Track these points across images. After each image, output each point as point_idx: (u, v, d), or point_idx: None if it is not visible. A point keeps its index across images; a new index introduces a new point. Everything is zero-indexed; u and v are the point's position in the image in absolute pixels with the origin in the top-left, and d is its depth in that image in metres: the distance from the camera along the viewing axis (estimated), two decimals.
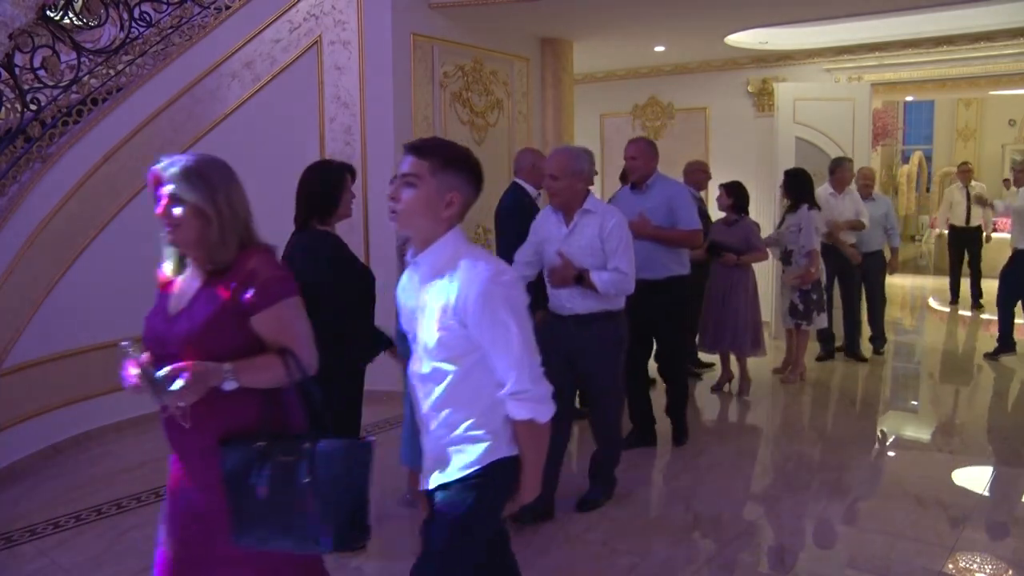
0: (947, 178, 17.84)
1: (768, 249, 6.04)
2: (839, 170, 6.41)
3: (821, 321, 5.94)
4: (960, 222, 9.42)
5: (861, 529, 3.58)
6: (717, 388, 5.79)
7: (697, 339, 5.85)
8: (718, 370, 5.95)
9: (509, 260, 4.37)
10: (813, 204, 5.82)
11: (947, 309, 9.31)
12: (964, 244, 9.40)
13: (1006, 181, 16.50)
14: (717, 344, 5.65)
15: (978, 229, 9.38)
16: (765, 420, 5.32)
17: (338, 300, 3.07)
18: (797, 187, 5.87)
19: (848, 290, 6.53)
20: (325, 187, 3.17)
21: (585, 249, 3.48)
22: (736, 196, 5.58)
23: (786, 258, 5.91)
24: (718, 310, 5.55)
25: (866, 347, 6.77)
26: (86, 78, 4.76)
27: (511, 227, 4.42)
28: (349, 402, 3.25)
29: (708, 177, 6.42)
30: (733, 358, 5.73)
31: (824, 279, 5.99)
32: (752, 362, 5.84)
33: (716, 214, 5.93)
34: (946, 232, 10.10)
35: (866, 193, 6.70)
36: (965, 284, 9.41)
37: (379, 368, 3.49)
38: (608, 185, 8.65)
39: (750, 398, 5.59)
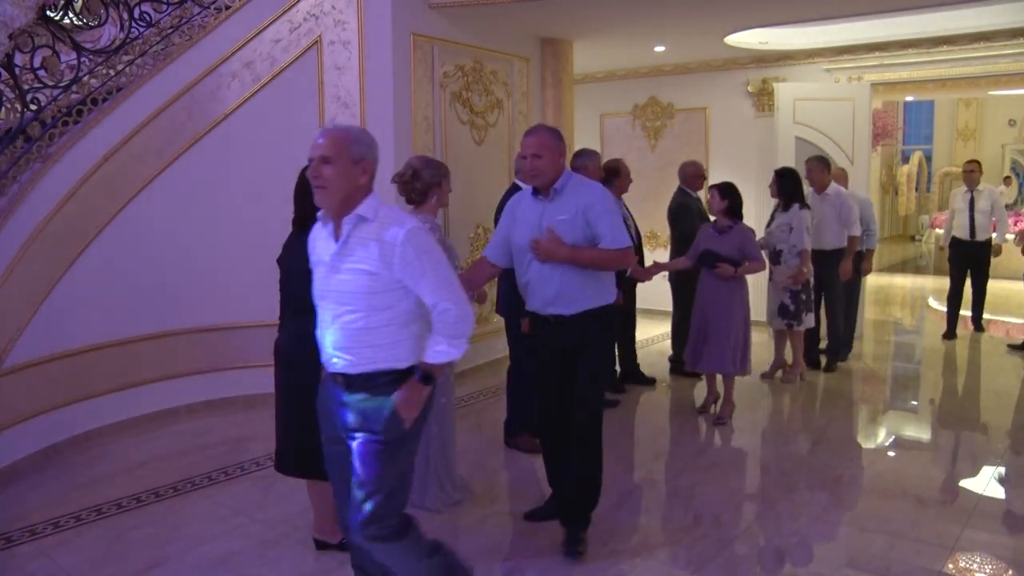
0: (947, 178, 17.86)
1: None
2: (809, 170, 6.17)
3: (809, 321, 5.84)
4: (963, 234, 7.51)
5: (861, 529, 3.58)
6: (703, 409, 5.32)
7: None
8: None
9: None
10: (804, 203, 5.75)
11: (942, 338, 7.58)
12: (968, 263, 7.53)
13: (1007, 179, 16.53)
14: (701, 362, 5.16)
15: (986, 244, 7.48)
16: (764, 420, 5.31)
17: None
18: (788, 186, 5.78)
19: (831, 293, 6.23)
20: None
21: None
22: (731, 199, 5.06)
23: (775, 258, 5.79)
24: (705, 325, 5.10)
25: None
26: (86, 78, 4.76)
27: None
28: None
29: (704, 178, 6.36)
30: (719, 378, 5.26)
31: (811, 279, 5.86)
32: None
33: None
34: (942, 243, 8.51)
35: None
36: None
37: None
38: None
39: (730, 425, 5.02)
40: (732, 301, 5.02)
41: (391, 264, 2.28)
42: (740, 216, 5.13)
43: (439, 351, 2.36)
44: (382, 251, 2.27)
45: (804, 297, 5.77)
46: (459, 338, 2.37)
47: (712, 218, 5.33)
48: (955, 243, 7.63)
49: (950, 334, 7.55)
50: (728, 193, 5.06)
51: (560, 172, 3.24)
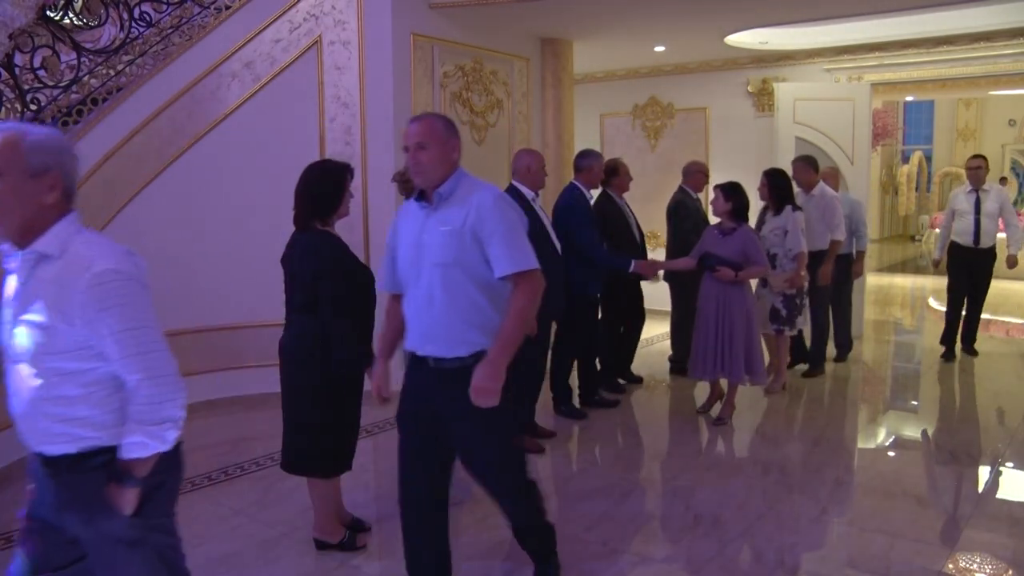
0: (947, 178, 17.87)
1: None
2: (795, 170, 5.97)
3: (799, 325, 5.66)
4: (967, 240, 6.52)
5: (861, 529, 3.58)
6: (704, 410, 5.24)
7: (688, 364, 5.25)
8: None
9: None
10: (796, 205, 5.55)
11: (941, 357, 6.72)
12: (969, 273, 6.56)
13: (1003, 180, 16.53)
14: (706, 371, 4.97)
15: (991, 252, 6.51)
16: (764, 420, 5.31)
17: (339, 300, 3.07)
18: (779, 188, 5.55)
19: (815, 296, 5.95)
20: (326, 187, 3.17)
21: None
22: (735, 200, 4.88)
23: (769, 263, 5.46)
24: (708, 332, 4.90)
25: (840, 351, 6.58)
26: (86, 78, 4.76)
27: None
28: (351, 398, 3.25)
29: (707, 179, 6.32)
30: (723, 380, 5.12)
31: (806, 283, 5.65)
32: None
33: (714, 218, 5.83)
34: (935, 253, 7.15)
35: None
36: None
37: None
38: None
39: (730, 425, 4.96)
40: (737, 305, 4.84)
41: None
42: (745, 218, 4.97)
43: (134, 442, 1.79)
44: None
45: (798, 302, 5.60)
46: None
47: (714, 219, 5.19)
48: (956, 250, 6.62)
49: (949, 354, 6.67)
50: (733, 194, 4.89)
51: (451, 171, 2.56)
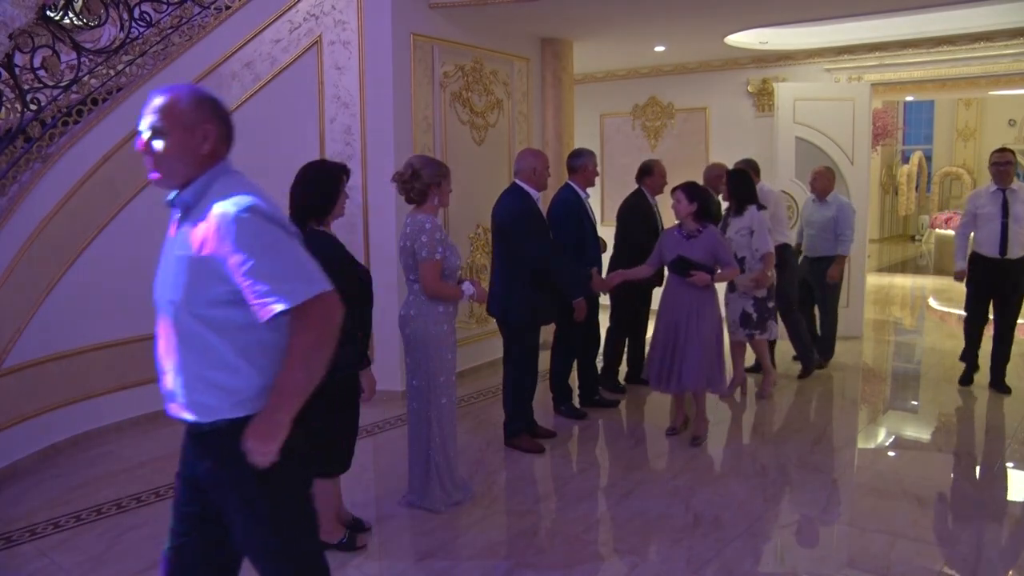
0: (947, 178, 17.87)
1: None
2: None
3: (773, 331, 5.44)
4: (991, 250, 5.43)
5: (861, 529, 3.58)
6: (671, 432, 4.81)
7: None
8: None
9: (508, 261, 4.39)
10: (759, 204, 5.33)
11: (959, 383, 5.85)
12: (996, 290, 5.49)
13: None
14: (672, 383, 4.60)
15: (1021, 265, 5.38)
16: (764, 420, 5.31)
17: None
18: (741, 188, 5.35)
19: (783, 299, 5.74)
20: (322, 187, 3.17)
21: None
22: (700, 202, 4.58)
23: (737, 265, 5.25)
24: (675, 340, 4.55)
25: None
26: (86, 78, 4.76)
27: (520, 229, 4.42)
28: (350, 398, 3.25)
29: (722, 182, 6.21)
30: (688, 396, 4.79)
31: (773, 283, 5.44)
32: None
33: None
34: (957, 267, 5.80)
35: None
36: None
37: (379, 369, 3.48)
38: (610, 188, 8.66)
39: (706, 443, 4.69)
40: (707, 311, 4.55)
41: None
42: (710, 218, 4.72)
43: None
44: None
45: (771, 305, 5.39)
46: None
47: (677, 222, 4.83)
48: (978, 262, 5.52)
49: (967, 377, 5.79)
50: (696, 195, 4.60)
51: (199, 170, 1.88)
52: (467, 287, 3.72)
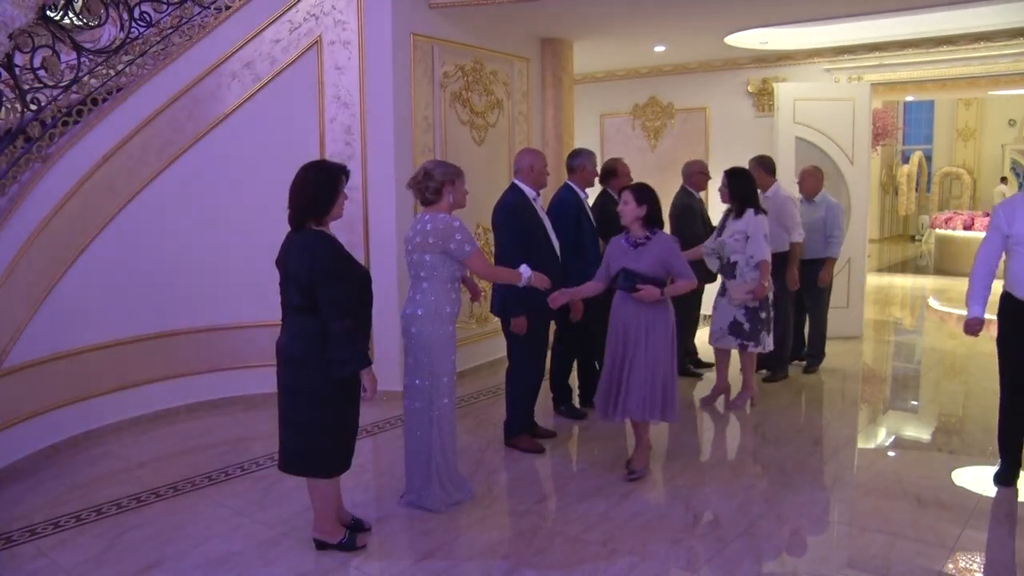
0: (947, 178, 17.88)
1: (706, 259, 5.23)
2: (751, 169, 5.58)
3: (768, 343, 5.18)
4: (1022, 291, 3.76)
5: (861, 529, 3.58)
6: (632, 472, 4.14)
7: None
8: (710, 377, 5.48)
9: (508, 261, 4.38)
10: (760, 208, 5.12)
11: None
12: None
13: (1003, 179, 16.53)
14: (618, 409, 4.04)
15: None
16: (764, 420, 5.31)
17: (336, 300, 3.07)
18: (741, 189, 5.12)
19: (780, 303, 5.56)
20: (321, 187, 3.17)
21: None
22: (649, 205, 4.03)
23: (729, 270, 5.14)
24: (622, 363, 4.03)
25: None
26: (86, 78, 4.76)
27: (513, 228, 4.42)
28: (350, 398, 3.25)
29: (708, 178, 6.23)
30: (629, 424, 4.33)
31: (771, 295, 5.20)
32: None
33: (716, 217, 5.71)
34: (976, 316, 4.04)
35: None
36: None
37: (379, 368, 3.47)
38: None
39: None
40: (658, 328, 4.00)
41: None
42: (660, 224, 4.14)
43: None
44: None
45: (764, 315, 5.10)
46: None
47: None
48: (1010, 305, 3.84)
49: (1008, 475, 3.96)
50: (645, 198, 4.03)
51: None
52: (525, 269, 3.76)
